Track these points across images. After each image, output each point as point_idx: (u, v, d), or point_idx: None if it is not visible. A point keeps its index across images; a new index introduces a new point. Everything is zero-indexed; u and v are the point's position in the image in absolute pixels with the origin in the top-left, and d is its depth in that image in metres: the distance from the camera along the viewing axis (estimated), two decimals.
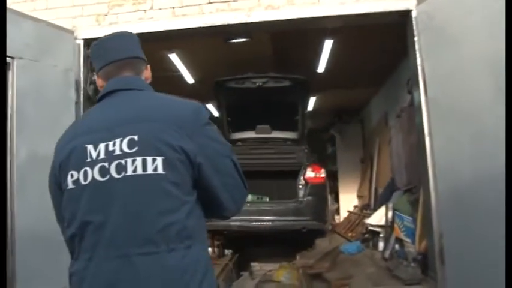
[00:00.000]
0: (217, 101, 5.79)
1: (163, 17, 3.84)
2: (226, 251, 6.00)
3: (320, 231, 5.20)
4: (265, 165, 5.62)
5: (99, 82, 1.50)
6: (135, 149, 1.27)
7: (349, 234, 7.23)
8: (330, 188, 11.03)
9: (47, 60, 3.38)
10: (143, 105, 1.37)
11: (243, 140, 6.02)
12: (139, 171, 1.25)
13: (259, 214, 4.88)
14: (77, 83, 3.74)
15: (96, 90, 4.16)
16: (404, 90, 4.70)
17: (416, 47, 3.30)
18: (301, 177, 4.98)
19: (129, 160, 1.26)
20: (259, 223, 4.82)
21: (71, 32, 3.82)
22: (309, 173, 4.98)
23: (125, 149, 1.27)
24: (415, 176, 4.03)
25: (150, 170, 1.25)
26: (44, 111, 3.27)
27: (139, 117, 1.32)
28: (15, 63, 3.12)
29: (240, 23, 3.73)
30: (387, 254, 4.46)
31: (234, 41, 4.49)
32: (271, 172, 5.73)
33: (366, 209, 7.67)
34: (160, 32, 3.82)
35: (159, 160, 1.25)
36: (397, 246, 4.31)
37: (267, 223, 4.82)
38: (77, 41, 3.84)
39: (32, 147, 3.08)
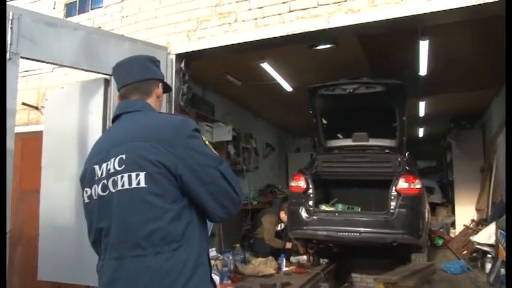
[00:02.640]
0: (312, 109, 5.70)
1: (247, 29, 3.96)
2: (322, 260, 5.90)
3: (414, 246, 4.80)
4: (359, 174, 5.41)
5: (117, 101, 1.74)
6: (123, 166, 1.48)
7: (462, 251, 6.64)
8: (446, 199, 10.36)
9: None
10: (134, 127, 1.56)
11: (340, 148, 5.86)
12: (126, 185, 1.46)
13: (346, 224, 4.69)
14: (169, 95, 4.04)
15: (187, 101, 4.46)
16: None
17: None
18: (394, 188, 4.65)
19: (119, 177, 1.47)
20: (346, 234, 4.64)
21: (165, 49, 4.17)
22: (402, 184, 4.62)
23: (116, 167, 1.49)
24: None
25: (134, 184, 1.45)
26: None
27: (127, 138, 1.52)
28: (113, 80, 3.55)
29: (320, 30, 3.67)
30: (492, 278, 3.95)
31: (319, 47, 4.41)
32: (366, 181, 5.50)
33: (482, 224, 6.90)
34: (244, 43, 3.96)
35: (142, 175, 1.44)
36: (502, 270, 3.78)
37: (355, 234, 4.60)
38: (170, 56, 4.19)
39: None
